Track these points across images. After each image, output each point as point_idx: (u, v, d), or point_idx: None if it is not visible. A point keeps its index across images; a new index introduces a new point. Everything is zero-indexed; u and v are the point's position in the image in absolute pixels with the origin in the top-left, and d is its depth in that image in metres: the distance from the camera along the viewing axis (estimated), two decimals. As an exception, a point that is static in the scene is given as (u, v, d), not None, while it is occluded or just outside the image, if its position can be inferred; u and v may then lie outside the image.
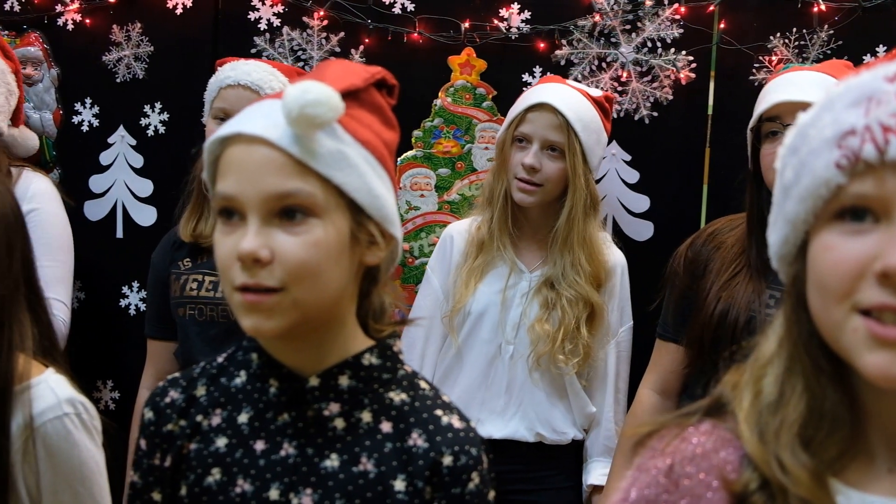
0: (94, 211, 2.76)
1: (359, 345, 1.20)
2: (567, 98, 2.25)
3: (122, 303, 2.76)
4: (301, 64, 2.62)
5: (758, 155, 2.02)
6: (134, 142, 2.75)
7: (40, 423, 1.34)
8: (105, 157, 2.76)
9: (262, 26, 2.65)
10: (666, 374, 2.20)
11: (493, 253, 2.30)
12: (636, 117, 2.56)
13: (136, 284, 2.75)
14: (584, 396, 2.31)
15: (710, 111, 2.56)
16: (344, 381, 1.17)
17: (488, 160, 2.64)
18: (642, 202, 2.59)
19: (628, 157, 2.59)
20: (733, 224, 2.14)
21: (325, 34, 2.63)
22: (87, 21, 2.73)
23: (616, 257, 2.33)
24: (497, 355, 2.28)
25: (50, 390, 1.37)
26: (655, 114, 2.56)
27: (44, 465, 1.35)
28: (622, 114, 2.56)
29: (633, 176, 2.59)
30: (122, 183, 2.74)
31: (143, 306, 2.74)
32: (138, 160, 2.75)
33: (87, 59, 2.72)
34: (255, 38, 2.65)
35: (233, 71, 2.21)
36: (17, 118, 2.46)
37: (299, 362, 1.18)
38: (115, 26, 2.72)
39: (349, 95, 1.13)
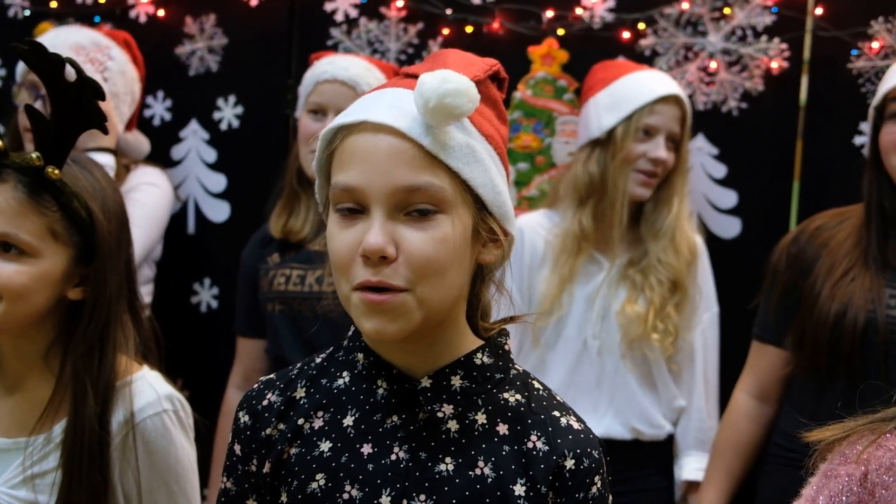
0: (166, 206, 2.72)
1: (470, 344, 1.16)
2: (685, 94, 2.28)
3: (194, 300, 2.73)
4: (378, 56, 2.55)
5: (878, 136, 1.92)
6: (207, 136, 2.71)
7: (140, 419, 1.35)
8: (177, 152, 2.73)
9: (339, 17, 2.60)
10: (765, 377, 2.11)
11: (586, 252, 2.22)
12: (724, 109, 2.46)
13: (207, 281, 2.72)
14: (673, 388, 2.24)
15: (802, 103, 2.46)
16: (456, 381, 1.13)
17: (569, 155, 2.55)
18: (730, 198, 2.49)
19: (716, 151, 2.50)
20: (842, 217, 2.03)
21: (402, 25, 2.57)
22: (160, 13, 2.69)
23: (699, 241, 2.30)
24: (583, 352, 2.21)
25: (149, 386, 1.38)
26: (745, 105, 2.46)
27: (142, 462, 1.35)
28: (709, 105, 2.47)
29: (721, 171, 2.49)
30: (195, 178, 2.71)
31: (214, 304, 2.72)
32: (211, 155, 2.71)
33: (159, 52, 2.69)
34: (332, 30, 2.61)
35: (330, 65, 2.19)
36: (130, 123, 2.47)
37: (410, 363, 1.14)
38: (188, 18, 2.68)
39: None
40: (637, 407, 2.20)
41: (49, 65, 1.26)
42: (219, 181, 2.71)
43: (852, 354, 1.87)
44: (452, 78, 1.02)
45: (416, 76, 1.07)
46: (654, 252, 2.18)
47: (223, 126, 2.70)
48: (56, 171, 1.30)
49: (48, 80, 1.27)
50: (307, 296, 2.15)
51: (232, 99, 2.69)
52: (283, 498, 1.13)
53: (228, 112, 2.69)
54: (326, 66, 2.20)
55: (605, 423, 2.20)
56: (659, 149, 2.18)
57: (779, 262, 2.06)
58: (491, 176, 1.09)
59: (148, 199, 2.36)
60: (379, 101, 1.08)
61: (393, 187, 1.03)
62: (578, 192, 2.23)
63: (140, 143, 2.52)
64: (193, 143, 2.71)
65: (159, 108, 2.72)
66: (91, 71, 2.28)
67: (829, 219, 2.05)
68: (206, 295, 2.72)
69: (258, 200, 2.66)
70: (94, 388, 1.32)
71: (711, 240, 2.41)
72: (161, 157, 2.70)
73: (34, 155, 1.29)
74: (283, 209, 2.24)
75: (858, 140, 2.40)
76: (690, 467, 2.22)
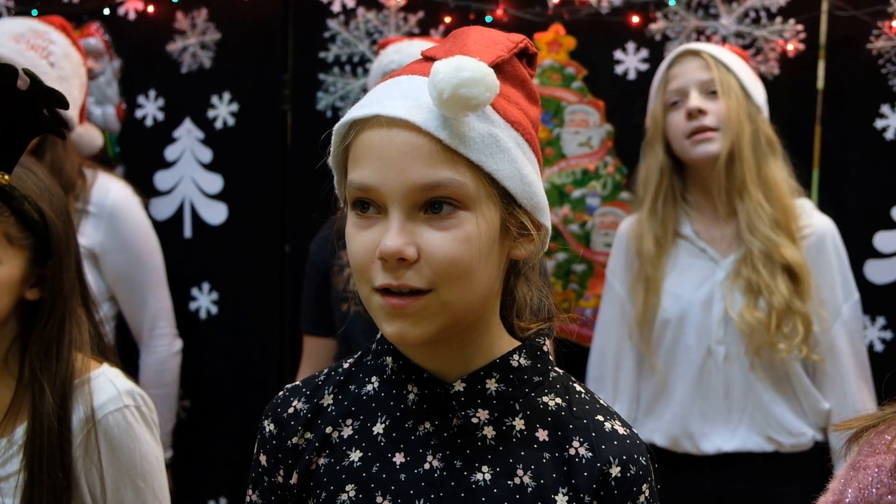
0: (161, 210, 2.63)
1: (505, 345, 1.09)
2: (707, 45, 2.16)
3: (192, 306, 2.63)
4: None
5: None
6: (202, 135, 2.62)
7: (101, 416, 1.33)
8: (171, 153, 2.63)
9: (336, 8, 2.51)
10: None
11: (670, 245, 2.10)
12: (739, 95, 2.38)
13: (206, 286, 2.62)
14: (813, 391, 2.06)
15: (820, 86, 2.38)
16: (492, 385, 1.06)
17: (579, 145, 2.47)
18: (747, 186, 2.40)
19: (731, 138, 2.40)
20: None
21: (402, 15, 2.48)
22: (150, 9, 2.60)
23: (823, 224, 2.12)
24: (708, 359, 2.05)
25: (109, 382, 1.36)
26: (760, 90, 2.38)
27: (106, 460, 1.33)
28: (724, 91, 2.38)
29: (737, 158, 2.40)
30: (190, 179, 2.61)
31: (214, 309, 2.61)
32: (206, 155, 2.61)
33: (150, 50, 2.61)
34: (329, 21, 2.52)
35: (396, 54, 2.08)
36: (81, 115, 2.35)
37: (442, 365, 1.07)
38: (179, 14, 2.59)
39: (495, 69, 1.00)
40: (773, 415, 2.04)
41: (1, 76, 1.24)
42: (215, 182, 2.61)
43: None
44: (468, 65, 0.95)
45: (434, 59, 0.99)
46: (756, 241, 2.02)
47: (218, 124, 2.60)
48: (6, 177, 1.29)
49: None
50: None
51: (227, 96, 2.59)
52: None
53: (223, 110, 2.60)
54: (393, 56, 2.08)
55: (739, 436, 2.05)
56: (691, 101, 2.05)
57: None
58: (518, 166, 1.01)
59: (146, 247, 2.33)
60: (393, 92, 1.01)
61: (410, 185, 0.96)
62: (639, 185, 2.16)
63: (93, 136, 2.39)
64: (188, 143, 2.62)
65: (151, 108, 2.62)
66: (35, 57, 2.19)
67: None
68: (205, 300, 2.62)
69: (256, 201, 2.59)
70: (52, 387, 1.31)
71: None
72: (154, 158, 2.61)
73: None
74: None
75: (879, 124, 2.33)
76: None
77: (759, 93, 2.12)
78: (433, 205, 0.97)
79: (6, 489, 1.31)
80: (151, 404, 1.40)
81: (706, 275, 2.09)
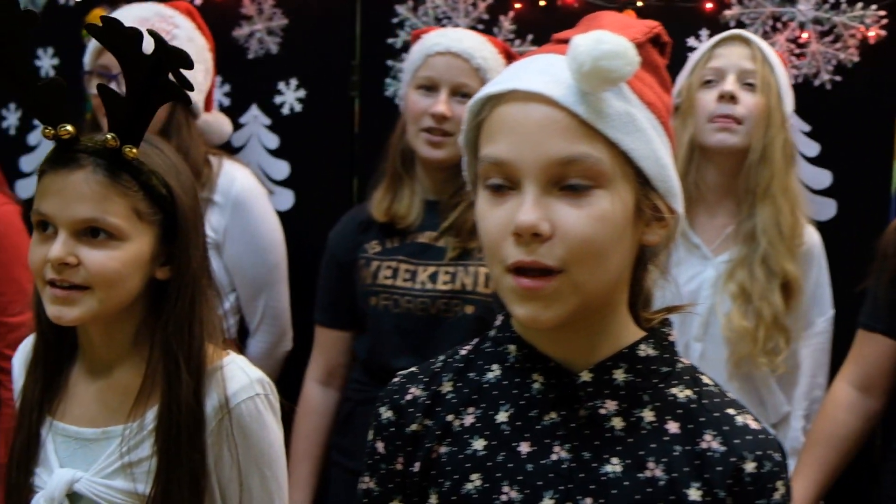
0: (226, 196, 2.61)
1: (631, 335, 1.07)
2: (755, 36, 2.10)
3: (259, 294, 2.61)
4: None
5: None
6: (268, 121, 2.60)
7: (235, 404, 1.32)
8: (237, 139, 2.61)
9: (406, -7, 2.49)
10: (870, 368, 1.96)
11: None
12: (816, 83, 2.33)
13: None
14: (779, 395, 2.07)
15: (901, 74, 2.33)
16: (619, 375, 1.04)
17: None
18: (824, 178, 2.36)
19: (808, 128, 2.36)
20: None
21: (472, 0, 2.45)
22: (216, -5, 2.59)
23: (813, 237, 2.11)
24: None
25: (241, 370, 1.35)
26: (839, 78, 2.33)
27: (238, 448, 1.32)
28: (800, 79, 2.34)
29: (814, 149, 2.36)
30: (256, 165, 2.59)
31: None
32: (273, 141, 2.60)
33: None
34: (397, 7, 2.50)
35: (442, 38, 2.06)
36: (208, 102, 2.33)
37: (568, 354, 1.04)
38: (245, -1, 2.57)
39: None
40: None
41: (125, 41, 1.22)
42: (282, 168, 2.60)
43: None
44: (608, 39, 0.95)
45: (568, 41, 0.99)
46: (764, 246, 1.99)
47: (285, 111, 2.59)
48: (133, 150, 1.27)
49: (123, 56, 1.23)
50: (419, 293, 2.00)
51: (294, 82, 2.58)
52: (433, 499, 1.06)
53: (290, 96, 2.58)
54: (438, 39, 2.06)
55: None
56: (726, 84, 2.01)
57: (887, 246, 1.93)
58: (654, 147, 1.00)
59: (268, 238, 2.29)
60: (529, 68, 1.01)
61: (546, 160, 0.95)
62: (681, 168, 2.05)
63: (221, 123, 2.38)
64: (254, 128, 2.60)
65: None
66: None
67: None
68: (271, 289, 2.61)
69: (323, 187, 2.58)
70: (188, 366, 1.30)
71: (804, 222, 2.28)
72: (221, 144, 2.59)
73: (109, 136, 1.26)
74: (385, 192, 2.09)
75: (963, 113, 2.27)
76: None
77: (790, 102, 2.10)
78: (570, 181, 0.96)
79: (138, 474, 1.29)
80: (275, 390, 1.39)
81: (696, 271, 2.05)
